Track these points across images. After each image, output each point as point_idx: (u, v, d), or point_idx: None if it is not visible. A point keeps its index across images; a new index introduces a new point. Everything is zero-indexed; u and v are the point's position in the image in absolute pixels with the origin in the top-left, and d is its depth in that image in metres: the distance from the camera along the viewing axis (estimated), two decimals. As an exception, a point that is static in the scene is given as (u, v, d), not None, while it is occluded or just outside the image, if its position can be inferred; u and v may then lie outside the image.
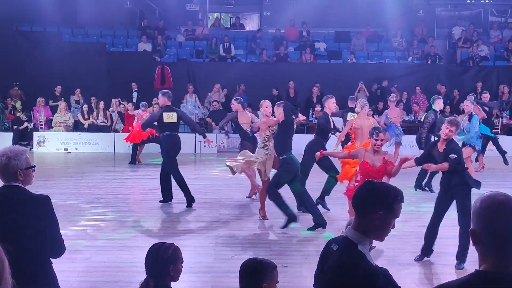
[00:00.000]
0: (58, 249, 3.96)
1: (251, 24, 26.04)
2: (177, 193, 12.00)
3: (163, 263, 3.88)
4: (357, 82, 20.26)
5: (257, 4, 25.36)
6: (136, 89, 20.11)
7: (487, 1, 24.25)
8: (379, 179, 7.76)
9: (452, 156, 7.35)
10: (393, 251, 7.80)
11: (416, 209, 10.39)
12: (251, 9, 26.07)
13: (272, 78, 20.94)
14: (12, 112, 19.74)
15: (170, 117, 10.68)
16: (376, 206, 2.88)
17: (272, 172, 9.53)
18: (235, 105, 11.57)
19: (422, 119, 13.82)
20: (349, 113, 14.35)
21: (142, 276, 3.97)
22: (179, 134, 10.99)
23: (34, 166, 4.03)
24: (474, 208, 2.28)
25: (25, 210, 3.82)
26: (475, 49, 22.02)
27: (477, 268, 2.24)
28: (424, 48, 22.61)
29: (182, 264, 4.01)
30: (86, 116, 19.06)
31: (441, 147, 7.60)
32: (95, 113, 19.24)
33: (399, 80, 20.89)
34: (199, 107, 20.31)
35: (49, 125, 19.14)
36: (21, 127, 18.80)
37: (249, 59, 22.30)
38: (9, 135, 18.31)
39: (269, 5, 24.91)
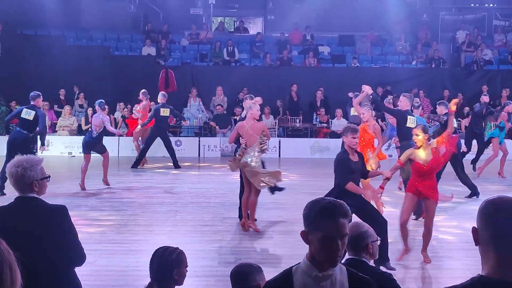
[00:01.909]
0: (78, 257, 3.91)
1: (255, 28, 26.06)
2: (179, 196, 12.01)
3: (167, 267, 3.88)
4: (361, 86, 20.22)
5: (261, 8, 25.39)
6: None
7: (491, 5, 24.23)
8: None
9: None
10: (398, 254, 7.77)
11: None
12: (255, 13, 26.10)
13: (276, 82, 20.96)
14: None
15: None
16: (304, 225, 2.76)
17: None
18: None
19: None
20: None
21: (146, 280, 3.97)
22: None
23: (49, 177, 4.01)
24: (479, 208, 2.30)
25: (42, 222, 3.78)
26: (479, 53, 21.98)
27: (480, 273, 2.24)
28: (428, 52, 22.58)
29: (187, 268, 4.01)
30: (90, 120, 19.07)
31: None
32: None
33: (403, 84, 20.85)
34: (203, 111, 20.32)
35: (53, 128, 19.16)
36: (25, 131, 18.79)
37: (253, 63, 22.32)
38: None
39: (273, 9, 24.94)
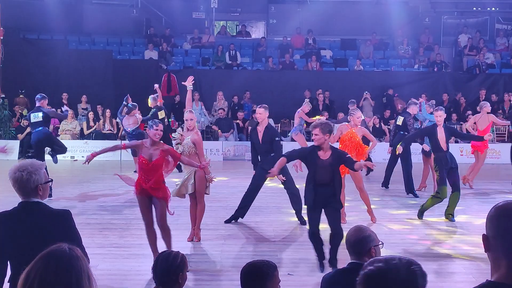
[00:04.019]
0: None
1: (257, 32, 26.09)
2: (181, 200, 11.99)
3: (173, 271, 3.94)
4: (363, 89, 20.23)
5: (263, 12, 25.40)
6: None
7: (493, 9, 24.22)
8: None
9: None
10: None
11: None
12: (257, 17, 26.12)
13: (278, 86, 20.97)
14: (20, 120, 19.79)
15: None
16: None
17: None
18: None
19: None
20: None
21: (149, 284, 3.98)
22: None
23: (51, 180, 4.01)
24: (488, 214, 2.26)
25: (46, 226, 3.78)
26: (481, 56, 21.98)
27: (488, 279, 2.22)
28: (430, 56, 22.58)
29: (188, 272, 4.06)
30: (92, 123, 19.10)
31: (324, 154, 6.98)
32: (101, 121, 19.28)
33: (405, 87, 20.84)
34: (205, 115, 20.32)
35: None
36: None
37: (255, 66, 22.34)
38: (16, 143, 18.35)
39: (275, 13, 24.95)
